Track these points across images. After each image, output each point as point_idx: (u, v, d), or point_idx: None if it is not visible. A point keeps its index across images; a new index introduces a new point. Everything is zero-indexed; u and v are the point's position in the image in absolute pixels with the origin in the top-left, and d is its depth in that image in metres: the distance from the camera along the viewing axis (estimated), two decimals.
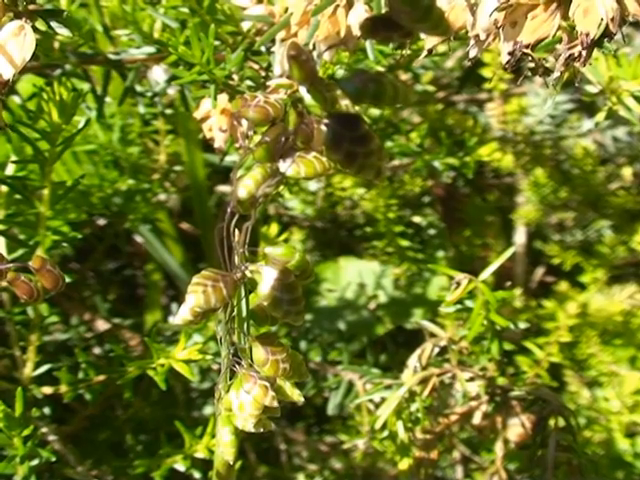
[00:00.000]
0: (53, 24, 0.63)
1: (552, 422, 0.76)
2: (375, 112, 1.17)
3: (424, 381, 0.79)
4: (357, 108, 0.48)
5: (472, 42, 0.68)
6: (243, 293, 0.52)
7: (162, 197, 1.20)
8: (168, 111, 1.07)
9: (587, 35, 0.61)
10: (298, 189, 1.27)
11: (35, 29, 0.61)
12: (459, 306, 0.80)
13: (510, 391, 0.81)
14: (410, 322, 1.25)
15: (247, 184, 0.47)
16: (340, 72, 0.85)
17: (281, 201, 1.30)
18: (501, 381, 0.82)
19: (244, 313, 0.54)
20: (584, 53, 0.63)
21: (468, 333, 0.80)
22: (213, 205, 1.30)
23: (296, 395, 0.57)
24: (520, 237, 1.39)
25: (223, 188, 1.32)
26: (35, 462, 0.72)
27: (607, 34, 0.62)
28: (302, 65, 0.43)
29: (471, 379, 0.81)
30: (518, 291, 1.31)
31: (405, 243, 1.25)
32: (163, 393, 1.05)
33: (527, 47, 0.64)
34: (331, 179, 1.27)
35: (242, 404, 0.53)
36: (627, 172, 1.35)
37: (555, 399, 0.76)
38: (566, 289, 1.29)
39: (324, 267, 1.30)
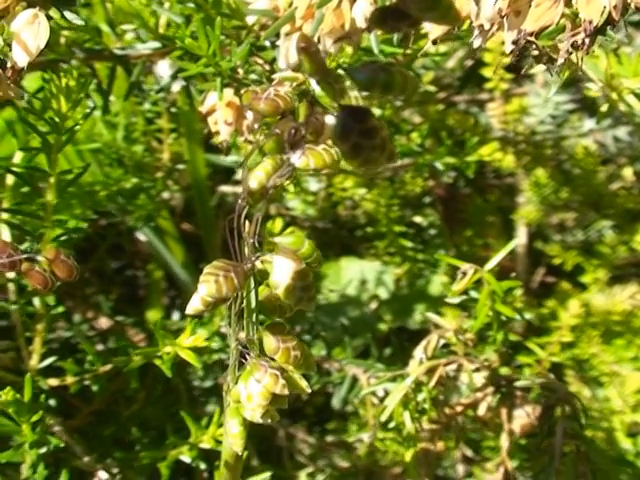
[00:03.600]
0: (66, 14, 0.64)
1: (558, 410, 0.76)
2: (376, 112, 1.18)
3: (430, 371, 0.80)
4: (365, 101, 0.49)
5: (476, 32, 0.69)
6: (253, 284, 0.53)
7: (165, 195, 1.21)
8: (172, 109, 1.08)
9: (590, 22, 0.62)
10: (299, 189, 1.27)
11: (49, 18, 0.62)
12: (464, 297, 0.80)
13: (516, 381, 0.81)
14: (412, 321, 1.25)
15: (258, 175, 0.48)
16: (340, 72, 0.85)
17: (282, 201, 1.30)
18: (506, 371, 0.83)
19: (253, 304, 0.54)
20: (587, 41, 0.63)
21: (474, 323, 0.81)
22: (214, 205, 1.31)
23: (304, 386, 0.57)
24: (521, 237, 1.39)
25: (225, 188, 1.33)
26: (43, 449, 0.72)
27: (610, 22, 0.63)
28: (312, 57, 0.44)
29: (477, 370, 0.81)
30: (519, 291, 1.31)
31: (406, 243, 1.25)
32: (166, 391, 1.06)
33: (531, 35, 0.64)
34: (332, 179, 1.27)
35: (250, 395, 0.54)
36: (628, 172, 1.36)
37: (561, 387, 0.76)
38: (567, 288, 1.30)
39: (325, 267, 1.31)
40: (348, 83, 0.47)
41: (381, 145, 0.45)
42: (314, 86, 0.48)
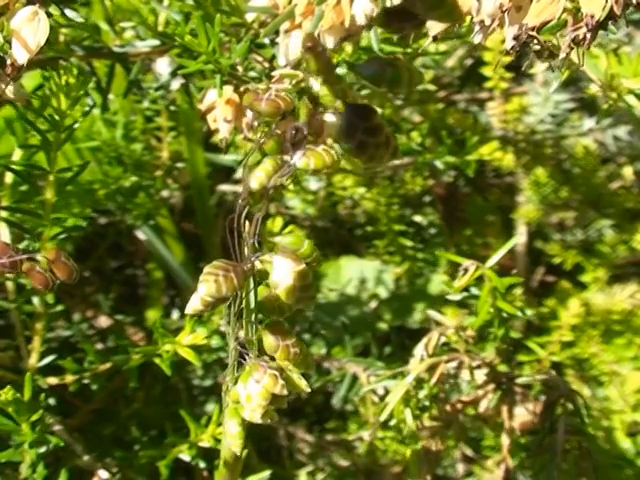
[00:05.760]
0: (67, 12, 0.64)
1: (560, 407, 0.76)
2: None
3: (431, 368, 0.80)
4: (365, 100, 0.49)
5: (477, 28, 0.68)
6: (252, 284, 0.53)
7: (165, 194, 1.21)
8: (171, 108, 1.08)
9: (592, 17, 0.62)
10: (299, 188, 1.27)
11: (49, 15, 0.62)
12: (465, 294, 0.80)
13: (516, 378, 0.81)
14: (412, 320, 1.25)
15: (258, 175, 0.48)
16: (340, 70, 0.85)
17: (282, 200, 1.30)
18: (507, 368, 0.82)
19: (252, 304, 0.54)
20: (589, 35, 0.63)
21: (474, 321, 0.81)
22: (214, 204, 1.30)
23: (303, 385, 0.57)
24: (521, 236, 1.39)
25: (224, 187, 1.33)
26: (43, 449, 0.72)
27: (611, 16, 0.62)
28: (318, 56, 0.44)
29: (478, 367, 0.81)
30: (519, 290, 1.31)
31: (406, 242, 1.25)
32: (166, 390, 1.06)
33: (532, 30, 0.64)
34: (332, 178, 1.27)
35: (250, 395, 0.54)
36: (628, 171, 1.36)
37: (562, 384, 0.76)
38: (567, 288, 1.30)
39: (325, 266, 1.31)
40: (349, 81, 0.48)
41: (385, 142, 0.45)
42: (315, 86, 0.48)
